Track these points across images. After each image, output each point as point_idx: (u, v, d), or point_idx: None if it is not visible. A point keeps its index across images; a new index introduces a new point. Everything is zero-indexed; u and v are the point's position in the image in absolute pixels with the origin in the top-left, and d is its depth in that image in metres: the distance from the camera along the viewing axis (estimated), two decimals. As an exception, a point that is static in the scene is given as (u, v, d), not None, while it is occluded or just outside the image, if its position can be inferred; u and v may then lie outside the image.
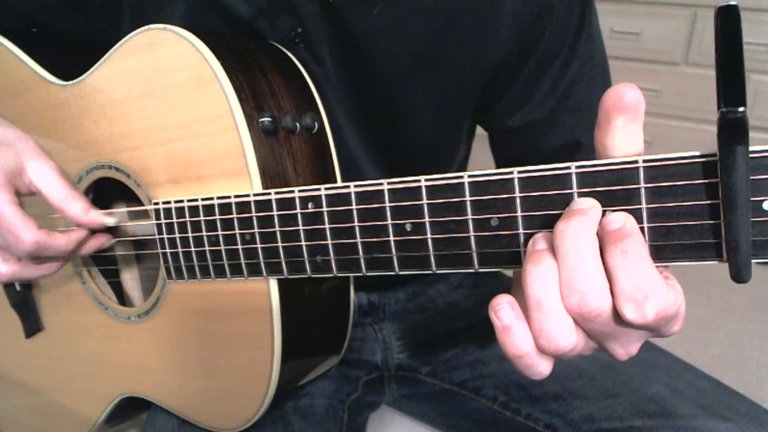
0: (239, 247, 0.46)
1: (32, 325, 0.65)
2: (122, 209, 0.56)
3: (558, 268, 0.31)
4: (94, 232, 0.54)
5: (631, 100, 0.30)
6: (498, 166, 0.65)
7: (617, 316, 0.30)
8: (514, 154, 0.62)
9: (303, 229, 0.42)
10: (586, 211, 0.31)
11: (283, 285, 0.47)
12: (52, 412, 0.68)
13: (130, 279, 0.63)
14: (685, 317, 0.32)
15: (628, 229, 0.30)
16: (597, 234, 0.31)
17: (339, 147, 0.52)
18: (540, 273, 0.31)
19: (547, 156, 0.59)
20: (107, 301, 0.59)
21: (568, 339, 0.31)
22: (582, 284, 0.30)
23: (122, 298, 0.63)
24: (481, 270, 0.36)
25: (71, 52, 0.60)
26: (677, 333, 0.32)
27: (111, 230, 0.57)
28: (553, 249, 0.31)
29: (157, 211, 0.50)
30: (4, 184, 0.48)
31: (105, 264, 0.61)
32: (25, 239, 0.47)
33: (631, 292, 0.29)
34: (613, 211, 0.31)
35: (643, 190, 0.30)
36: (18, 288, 0.65)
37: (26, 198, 0.51)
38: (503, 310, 0.32)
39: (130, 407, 0.64)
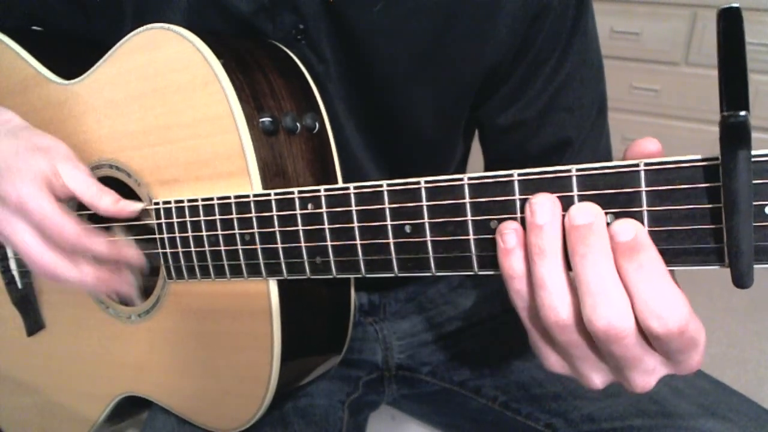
0: (239, 247, 0.46)
1: (33, 323, 0.65)
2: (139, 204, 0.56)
3: (581, 293, 0.31)
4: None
5: (653, 151, 0.32)
6: (487, 165, 0.65)
7: (641, 335, 0.31)
8: (504, 153, 0.62)
9: (302, 230, 0.42)
10: (595, 229, 0.31)
11: (282, 286, 0.47)
12: (52, 410, 0.68)
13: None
14: (704, 353, 0.32)
15: (640, 241, 0.30)
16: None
17: (340, 145, 0.52)
18: (543, 253, 0.32)
19: (537, 154, 0.59)
20: (108, 300, 0.59)
21: (566, 311, 0.32)
22: (607, 309, 0.30)
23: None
24: (480, 273, 0.36)
25: (72, 51, 0.60)
26: (695, 369, 0.33)
27: (111, 228, 0.57)
28: (554, 220, 0.32)
29: (157, 210, 0.50)
30: (43, 187, 0.49)
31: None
32: (66, 233, 0.48)
33: (654, 306, 0.29)
34: (615, 214, 0.31)
35: (644, 194, 0.30)
36: (20, 286, 0.65)
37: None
38: (509, 234, 0.33)
39: (130, 407, 0.64)
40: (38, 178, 0.49)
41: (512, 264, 0.33)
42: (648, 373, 0.33)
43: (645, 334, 0.31)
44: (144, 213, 0.53)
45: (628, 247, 0.30)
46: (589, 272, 0.30)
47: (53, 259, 0.49)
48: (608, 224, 0.31)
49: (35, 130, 0.54)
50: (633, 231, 0.30)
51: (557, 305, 0.32)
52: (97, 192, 0.51)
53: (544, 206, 0.32)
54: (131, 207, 0.52)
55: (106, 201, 0.51)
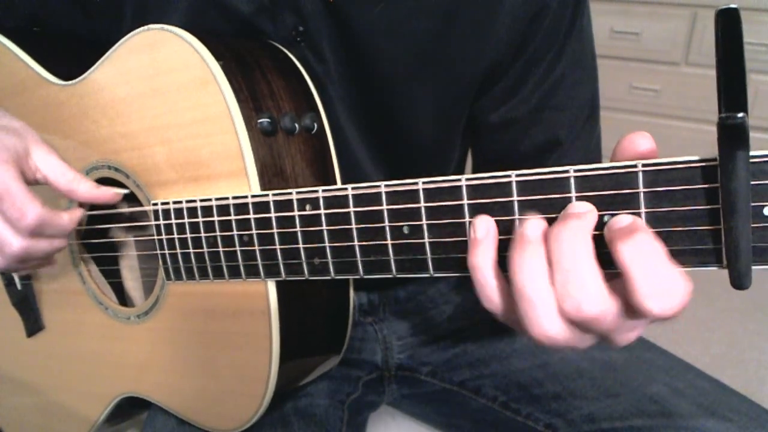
0: (237, 248, 0.46)
1: (33, 324, 0.66)
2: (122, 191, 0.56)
3: (552, 270, 0.31)
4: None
5: (644, 149, 0.31)
6: (476, 166, 0.65)
7: (627, 313, 0.30)
8: (494, 152, 0.62)
9: (301, 231, 0.42)
10: (581, 215, 0.31)
11: (281, 286, 0.47)
12: (52, 411, 0.68)
13: (131, 279, 0.63)
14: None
15: (638, 224, 0.30)
16: (604, 236, 0.31)
17: (339, 146, 0.52)
18: (528, 262, 0.31)
19: (527, 153, 0.59)
20: (107, 301, 0.59)
21: (556, 327, 0.31)
22: (577, 290, 0.30)
23: (124, 298, 0.63)
24: (479, 274, 0.36)
25: (71, 52, 0.60)
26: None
27: (111, 230, 0.57)
28: (543, 240, 0.31)
29: (156, 211, 0.50)
30: (10, 162, 0.48)
31: (105, 264, 0.61)
32: (29, 214, 0.48)
33: (653, 288, 0.28)
34: (612, 215, 0.31)
35: (642, 195, 0.30)
36: (19, 287, 0.65)
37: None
38: (480, 224, 0.34)
39: (130, 407, 0.64)
40: (7, 155, 0.48)
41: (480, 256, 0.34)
42: (629, 331, 0.33)
43: (627, 314, 0.31)
44: (143, 214, 0.53)
45: (626, 230, 0.29)
46: (563, 247, 0.30)
47: (12, 237, 0.48)
48: (605, 222, 0.31)
49: (7, 113, 0.54)
50: (630, 217, 0.30)
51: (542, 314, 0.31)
52: (75, 177, 0.51)
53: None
54: (113, 190, 0.52)
55: (85, 186, 0.51)
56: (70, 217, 0.52)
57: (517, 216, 0.33)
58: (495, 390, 0.64)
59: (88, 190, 0.52)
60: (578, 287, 0.30)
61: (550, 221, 0.32)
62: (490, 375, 0.65)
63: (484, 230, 0.34)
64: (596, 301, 0.30)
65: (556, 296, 0.30)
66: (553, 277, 0.31)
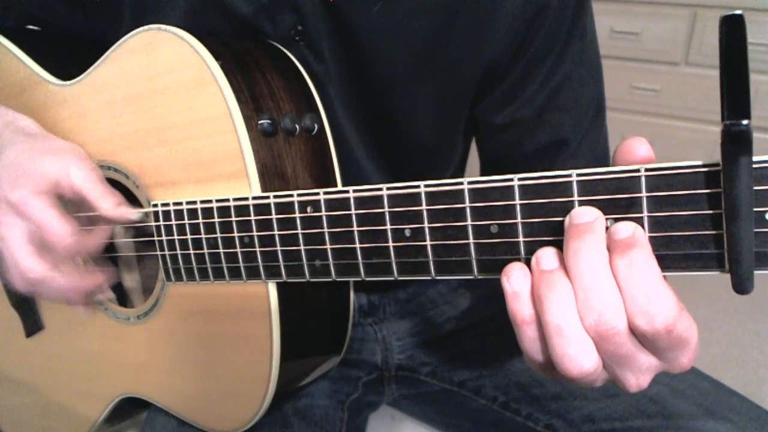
0: (238, 250, 0.46)
1: (32, 324, 0.65)
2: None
3: (573, 288, 0.31)
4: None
5: (642, 155, 0.31)
6: (483, 165, 0.65)
7: (632, 333, 0.31)
8: (500, 151, 0.62)
9: (302, 233, 0.42)
10: (593, 227, 0.30)
11: (282, 287, 0.47)
12: (52, 411, 0.68)
13: (131, 280, 0.63)
14: (696, 352, 0.32)
15: (636, 239, 0.30)
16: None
17: (339, 146, 0.52)
18: (557, 297, 0.31)
19: (533, 153, 0.59)
20: (106, 302, 0.59)
21: (591, 360, 0.31)
22: (598, 304, 0.30)
23: (123, 299, 0.63)
24: (480, 277, 0.36)
25: (70, 52, 0.60)
26: (687, 367, 0.33)
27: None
28: (562, 267, 0.31)
29: (156, 213, 0.50)
30: (45, 190, 0.49)
31: (104, 264, 0.61)
32: (66, 242, 0.49)
33: (641, 303, 0.29)
34: (615, 219, 0.31)
35: (644, 199, 0.30)
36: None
37: None
38: (514, 276, 0.32)
39: (130, 407, 0.64)
40: (43, 181, 0.49)
41: (523, 307, 0.33)
42: (641, 372, 0.33)
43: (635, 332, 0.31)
44: (142, 215, 0.53)
45: (623, 243, 0.30)
46: (582, 266, 0.30)
47: (34, 264, 0.50)
48: (607, 228, 0.31)
49: (51, 135, 0.55)
50: (630, 229, 0.30)
51: (578, 354, 0.31)
52: (101, 193, 0.51)
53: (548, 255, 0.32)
54: (129, 214, 0.52)
55: (106, 204, 0.51)
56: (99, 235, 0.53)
57: (519, 221, 0.33)
58: (495, 390, 0.64)
59: (108, 208, 0.51)
60: (598, 301, 0.30)
61: (555, 243, 0.33)
62: (490, 375, 0.65)
63: (520, 283, 0.33)
64: (614, 312, 0.30)
65: (579, 314, 0.31)
66: (575, 295, 0.31)
